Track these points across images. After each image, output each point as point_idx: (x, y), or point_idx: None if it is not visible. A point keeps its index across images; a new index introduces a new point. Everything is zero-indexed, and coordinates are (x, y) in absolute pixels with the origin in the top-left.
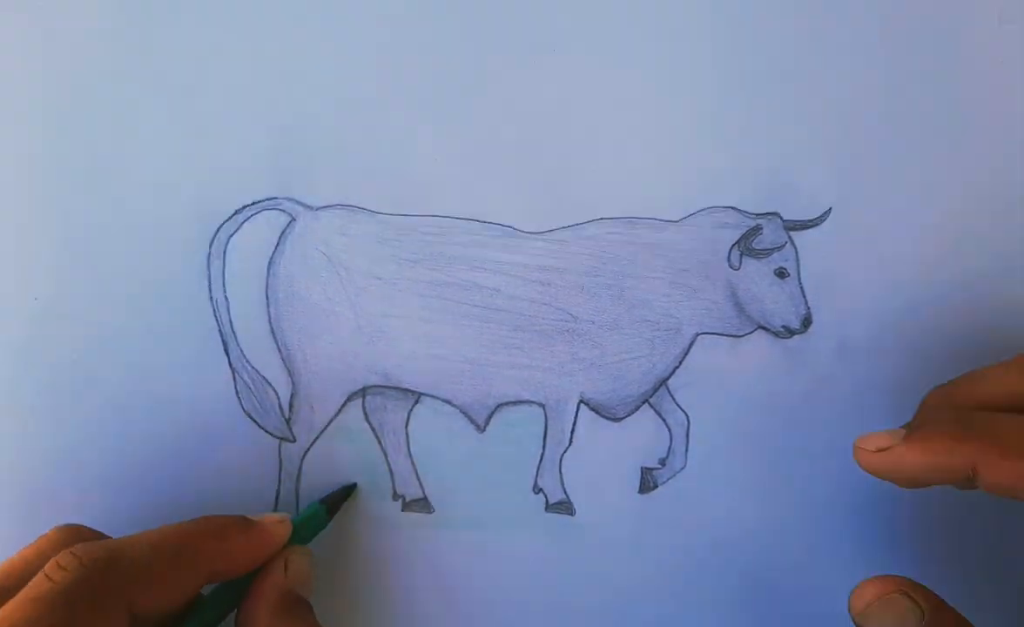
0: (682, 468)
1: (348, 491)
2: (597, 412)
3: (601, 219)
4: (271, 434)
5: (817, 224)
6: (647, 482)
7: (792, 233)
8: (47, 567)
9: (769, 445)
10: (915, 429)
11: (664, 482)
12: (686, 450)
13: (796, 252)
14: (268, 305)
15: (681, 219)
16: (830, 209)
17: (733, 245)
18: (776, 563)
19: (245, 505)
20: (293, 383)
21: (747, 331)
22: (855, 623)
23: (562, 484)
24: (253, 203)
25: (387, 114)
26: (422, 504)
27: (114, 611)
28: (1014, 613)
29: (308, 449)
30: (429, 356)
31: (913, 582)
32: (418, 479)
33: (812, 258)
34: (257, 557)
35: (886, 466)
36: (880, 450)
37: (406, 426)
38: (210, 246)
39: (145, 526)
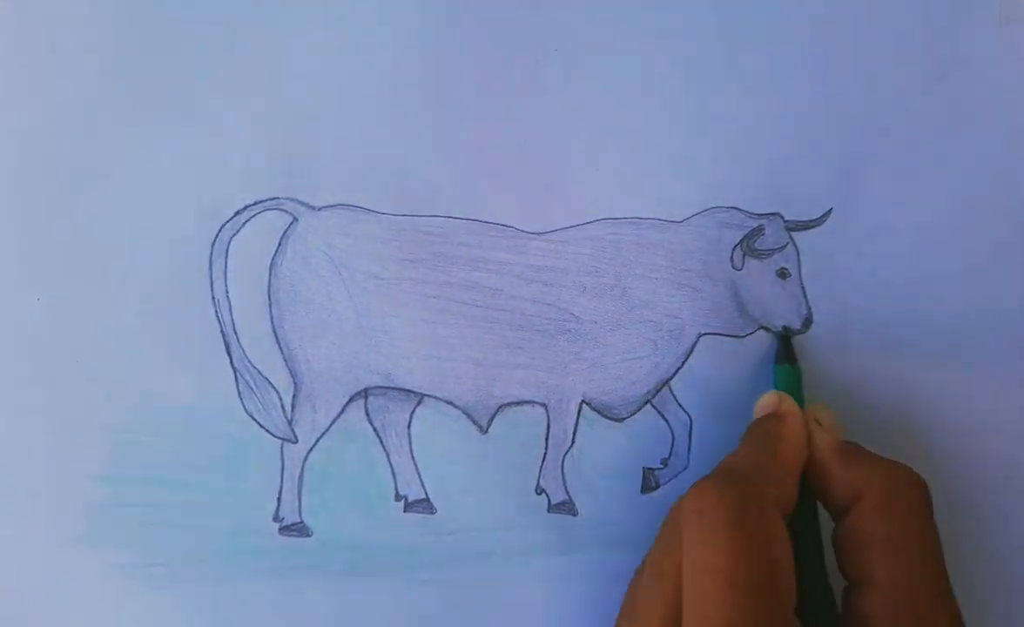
0: (684, 468)
1: (786, 339)
2: (599, 413)
3: (603, 219)
4: (273, 434)
5: (818, 224)
6: (649, 482)
7: (794, 233)
8: None
9: None
10: None
11: (666, 482)
12: (688, 450)
13: (798, 252)
14: (270, 305)
15: (683, 219)
16: (831, 209)
17: (735, 245)
18: None
19: (247, 505)
20: (295, 383)
21: (749, 331)
22: None
23: (564, 485)
24: (255, 203)
25: (389, 114)
26: (424, 505)
27: None
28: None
29: (310, 450)
30: (431, 357)
31: None
32: (420, 480)
33: (813, 258)
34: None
35: None
36: None
37: (408, 427)
38: (212, 246)
39: (145, 526)
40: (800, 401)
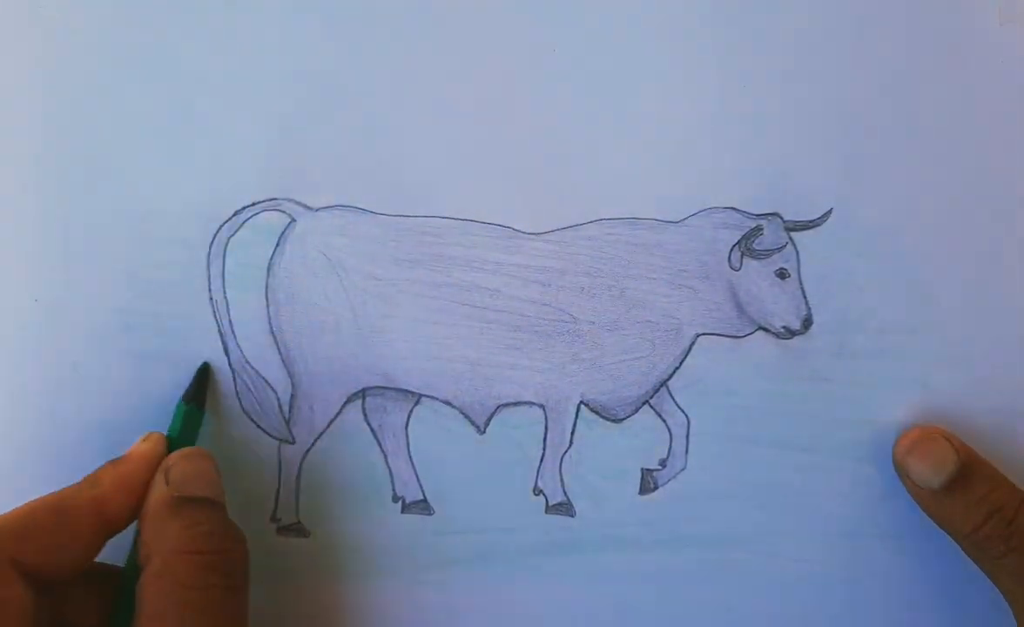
0: (682, 469)
1: (203, 374)
2: (597, 413)
3: (601, 220)
4: (271, 435)
5: (818, 225)
6: (647, 483)
7: (793, 234)
8: None
9: (769, 446)
10: None
11: (664, 483)
12: (686, 451)
13: (797, 253)
14: (268, 306)
15: (681, 220)
16: (831, 210)
17: (734, 246)
18: (777, 564)
19: (245, 506)
20: (293, 384)
21: (747, 332)
22: (897, 466)
23: (562, 485)
24: (253, 204)
25: (387, 115)
26: (422, 506)
27: None
28: None
29: (308, 450)
30: (429, 357)
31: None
32: (418, 481)
33: (813, 259)
34: (135, 485)
35: None
36: None
37: (406, 427)
38: (210, 247)
39: None
40: (188, 444)
